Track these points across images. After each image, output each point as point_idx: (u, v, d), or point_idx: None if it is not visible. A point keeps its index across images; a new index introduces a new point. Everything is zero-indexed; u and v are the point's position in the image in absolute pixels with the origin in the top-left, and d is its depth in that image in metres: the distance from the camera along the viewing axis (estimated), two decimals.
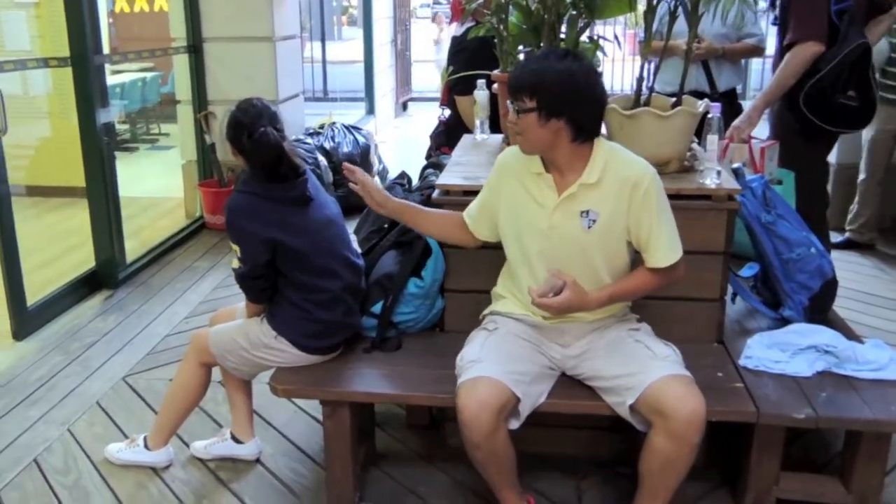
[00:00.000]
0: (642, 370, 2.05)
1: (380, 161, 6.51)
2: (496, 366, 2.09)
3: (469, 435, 2.04)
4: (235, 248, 2.37)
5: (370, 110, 9.78)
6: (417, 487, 2.57)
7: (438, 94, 5.14)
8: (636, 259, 2.21)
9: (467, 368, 2.13)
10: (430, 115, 11.22)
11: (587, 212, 2.11)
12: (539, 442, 2.61)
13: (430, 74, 13.02)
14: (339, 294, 2.42)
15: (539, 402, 2.17)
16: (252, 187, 2.37)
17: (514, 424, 2.10)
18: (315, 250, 2.37)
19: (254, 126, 2.34)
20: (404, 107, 12.01)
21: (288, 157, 2.36)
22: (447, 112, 4.30)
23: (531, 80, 2.03)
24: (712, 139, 2.41)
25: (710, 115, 2.45)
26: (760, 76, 6.98)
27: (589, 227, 2.11)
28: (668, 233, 2.11)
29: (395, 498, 2.53)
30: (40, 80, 6.31)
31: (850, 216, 4.96)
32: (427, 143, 4.52)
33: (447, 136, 4.20)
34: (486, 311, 2.40)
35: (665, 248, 2.11)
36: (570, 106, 2.01)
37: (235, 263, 2.40)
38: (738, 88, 4.18)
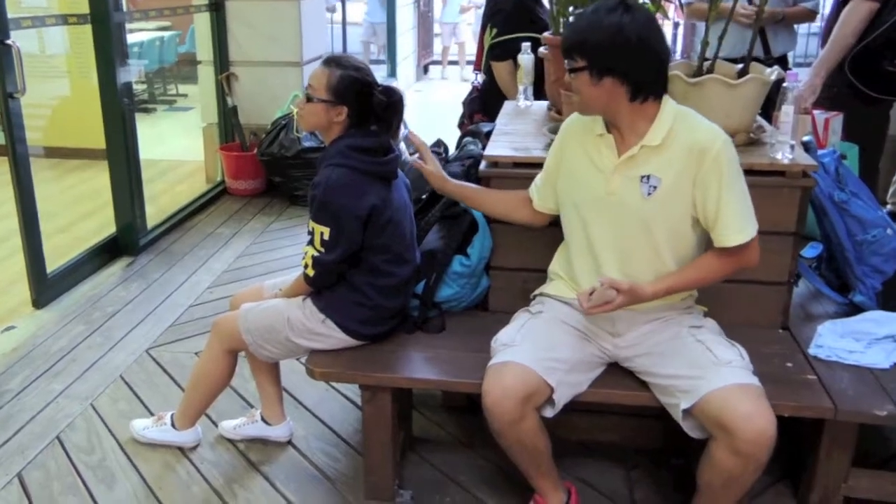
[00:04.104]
0: (702, 375, 1.87)
1: (405, 126, 6.32)
2: (530, 352, 1.95)
3: (491, 421, 1.93)
4: (322, 229, 2.13)
5: (391, 73, 9.57)
6: (458, 475, 2.44)
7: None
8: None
9: (499, 351, 2.00)
10: (453, 79, 11.08)
11: (648, 177, 1.94)
12: (586, 429, 2.48)
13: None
14: (404, 281, 2.27)
15: (580, 392, 2.02)
16: (349, 160, 2.15)
17: (549, 413, 1.96)
18: (396, 231, 2.22)
19: (376, 82, 2.18)
20: (425, 69, 11.77)
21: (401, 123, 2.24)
22: (481, 77, 4.11)
23: (579, 37, 1.88)
24: (788, 110, 2.22)
25: (784, 84, 2.26)
26: (805, 41, 6.69)
27: (649, 195, 1.94)
28: (738, 208, 1.92)
29: (435, 485, 2.40)
30: (58, 37, 6.14)
31: (892, 188, 4.76)
32: (450, 107, 4.31)
33: (482, 102, 4.03)
34: (536, 291, 2.25)
35: (734, 226, 1.91)
36: (621, 62, 1.85)
37: (313, 251, 2.17)
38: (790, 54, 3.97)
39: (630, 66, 1.86)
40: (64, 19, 4.08)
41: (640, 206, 1.96)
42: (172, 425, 2.55)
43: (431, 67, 12.06)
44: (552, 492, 2.14)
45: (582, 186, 2.05)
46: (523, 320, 2.13)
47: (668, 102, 1.96)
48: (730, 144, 1.92)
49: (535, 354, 1.94)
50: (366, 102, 2.17)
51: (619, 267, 2.02)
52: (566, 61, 1.94)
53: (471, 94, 4.19)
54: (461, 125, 4.21)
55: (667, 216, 1.96)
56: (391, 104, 2.18)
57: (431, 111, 8.54)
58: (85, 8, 3.95)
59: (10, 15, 3.29)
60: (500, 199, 2.31)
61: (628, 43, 1.84)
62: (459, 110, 4.26)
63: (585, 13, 1.96)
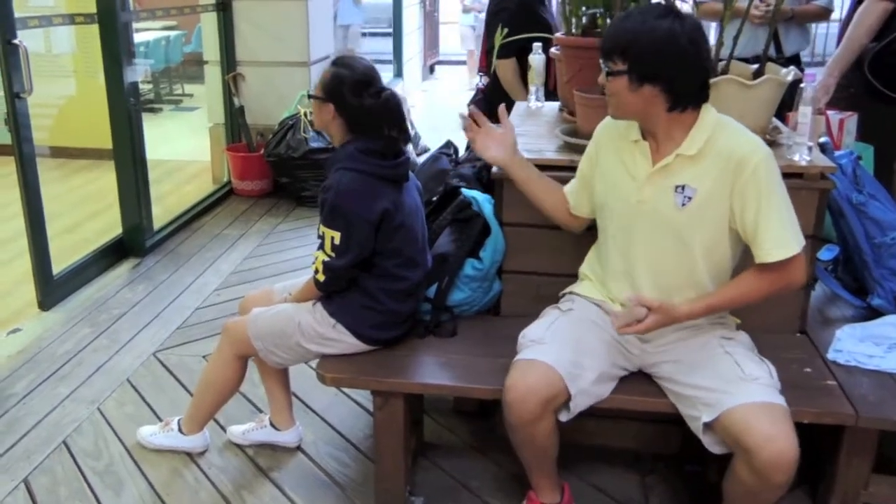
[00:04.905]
0: (726, 389, 1.82)
1: (412, 126, 6.30)
2: (558, 353, 1.91)
3: (509, 417, 1.90)
4: (333, 234, 2.09)
5: (398, 73, 9.53)
6: (470, 481, 2.41)
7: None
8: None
9: (527, 347, 1.96)
10: (458, 79, 11.03)
11: (682, 187, 1.87)
12: (599, 434, 2.44)
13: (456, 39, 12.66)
14: (416, 284, 2.24)
15: (599, 401, 1.97)
16: (360, 164, 2.12)
17: (564, 417, 1.92)
18: (408, 235, 2.19)
19: (372, 84, 2.14)
20: (431, 70, 11.74)
21: (405, 125, 2.19)
22: (485, 79, 4.07)
23: (624, 39, 1.79)
24: (805, 111, 2.18)
25: (802, 85, 2.23)
26: (824, 41, 6.64)
27: (683, 205, 1.87)
28: (779, 223, 1.82)
29: (446, 492, 2.37)
30: (65, 37, 6.12)
31: None
32: (457, 108, 4.25)
33: (487, 104, 3.98)
34: (566, 290, 2.21)
35: (774, 240, 1.82)
36: (667, 72, 1.77)
37: (323, 256, 2.14)
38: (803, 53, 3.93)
39: (676, 77, 1.79)
40: (71, 19, 4.05)
41: (673, 217, 1.90)
42: (180, 430, 2.52)
43: (438, 68, 12.02)
44: (548, 491, 2.12)
45: (615, 192, 2.00)
46: (553, 317, 2.08)
47: (708, 111, 1.89)
48: (770, 158, 1.84)
49: (562, 356, 1.90)
50: (354, 101, 2.13)
51: (651, 275, 1.97)
52: (603, 63, 1.86)
53: (475, 96, 4.14)
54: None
55: (702, 227, 1.90)
56: (380, 105, 2.13)
57: (438, 112, 8.50)
58: (92, 7, 3.93)
59: (17, 14, 3.27)
60: (552, 195, 2.20)
61: (679, 52, 1.77)
62: (466, 111, 4.21)
63: (630, 14, 1.87)
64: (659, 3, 1.83)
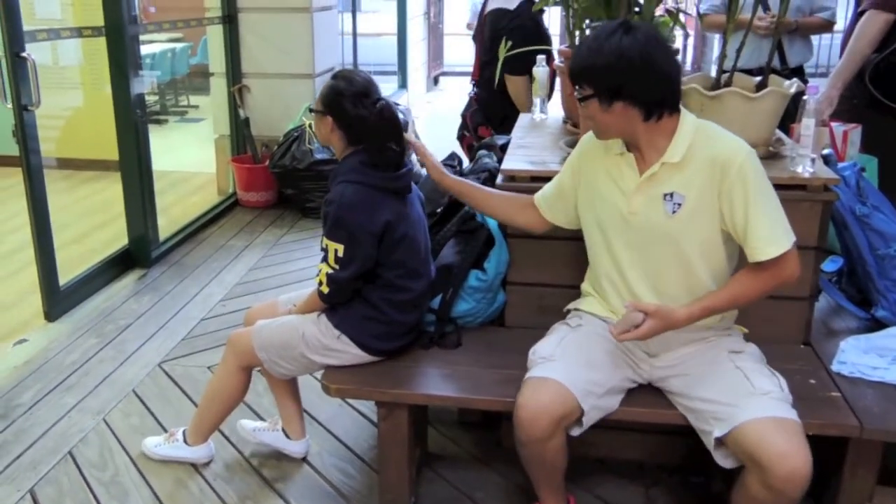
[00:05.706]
0: (736, 404, 1.81)
1: (417, 137, 6.31)
2: (569, 370, 1.91)
3: (520, 435, 1.89)
4: (336, 247, 2.11)
5: (402, 84, 9.56)
6: (474, 492, 2.41)
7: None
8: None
9: (538, 364, 1.96)
10: (463, 90, 11.06)
11: (671, 195, 1.89)
12: (605, 446, 2.45)
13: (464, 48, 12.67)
14: (420, 295, 2.25)
15: (608, 414, 1.97)
16: (362, 176, 2.13)
17: (576, 432, 1.93)
18: (412, 246, 2.20)
19: (369, 96, 2.14)
20: (436, 81, 11.77)
21: (404, 137, 2.19)
22: (477, 89, 4.08)
23: (582, 65, 1.85)
24: (808, 123, 2.19)
25: (805, 97, 2.24)
26: (828, 53, 6.64)
27: (673, 213, 1.89)
28: (769, 220, 1.84)
29: (451, 503, 2.37)
30: (72, 49, 6.16)
31: None
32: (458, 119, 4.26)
33: (483, 115, 3.99)
34: (570, 306, 2.22)
35: (765, 238, 1.83)
36: (628, 86, 1.80)
37: (327, 268, 2.15)
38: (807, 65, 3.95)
39: (638, 89, 1.81)
40: (79, 32, 4.08)
41: (664, 225, 1.91)
42: (184, 441, 2.52)
43: (442, 79, 12.06)
44: None
45: (604, 207, 2.01)
46: (563, 333, 2.08)
47: (686, 116, 1.91)
48: (753, 156, 1.86)
49: (574, 373, 1.90)
50: (351, 113, 2.14)
51: (650, 286, 1.98)
52: (575, 90, 1.90)
53: (470, 105, 4.14)
54: (461, 138, 4.18)
55: (695, 232, 1.91)
56: (374, 116, 2.13)
57: (442, 122, 8.51)
58: (100, 20, 3.96)
59: (25, 27, 3.30)
60: (501, 202, 2.25)
61: (631, 65, 1.79)
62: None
63: (587, 39, 1.91)
64: (613, 22, 1.86)
